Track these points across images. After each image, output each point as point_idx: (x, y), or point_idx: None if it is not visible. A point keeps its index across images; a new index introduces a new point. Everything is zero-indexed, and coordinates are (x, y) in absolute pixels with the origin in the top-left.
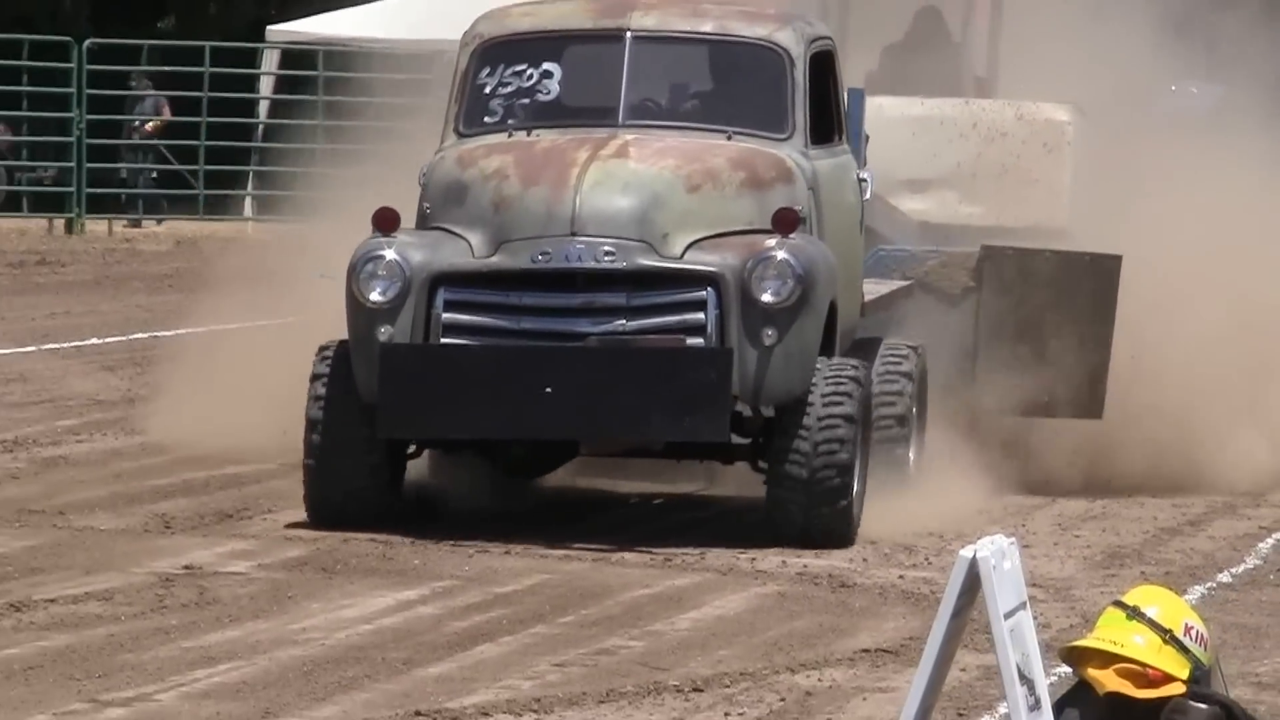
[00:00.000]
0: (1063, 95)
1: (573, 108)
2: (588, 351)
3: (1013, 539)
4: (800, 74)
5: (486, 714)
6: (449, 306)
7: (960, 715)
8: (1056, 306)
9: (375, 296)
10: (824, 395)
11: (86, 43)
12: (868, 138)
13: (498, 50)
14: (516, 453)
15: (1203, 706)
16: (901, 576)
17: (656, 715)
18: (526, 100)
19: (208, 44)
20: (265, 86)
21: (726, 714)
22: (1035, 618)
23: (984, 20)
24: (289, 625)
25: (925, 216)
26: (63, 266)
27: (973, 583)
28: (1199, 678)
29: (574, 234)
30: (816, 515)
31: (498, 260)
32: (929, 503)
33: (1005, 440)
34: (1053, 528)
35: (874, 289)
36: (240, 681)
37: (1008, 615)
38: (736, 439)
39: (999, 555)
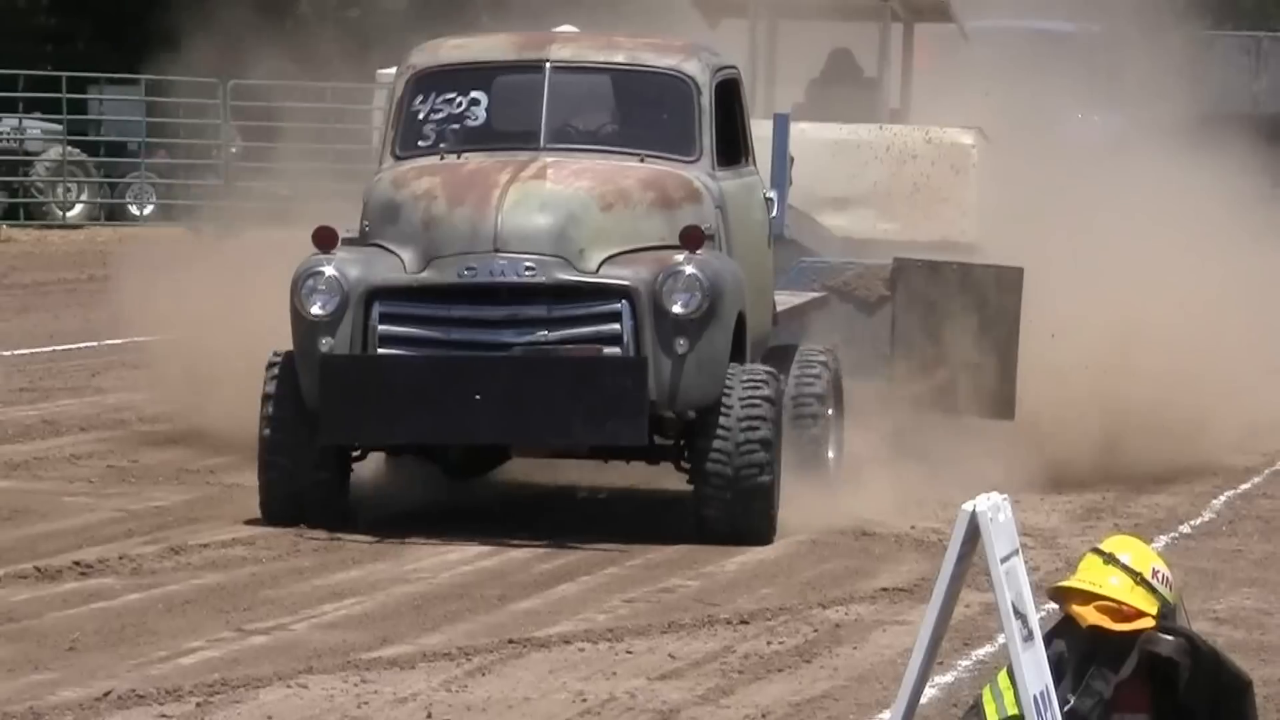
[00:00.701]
0: (971, 123)
1: (499, 132)
2: (512, 361)
3: (1005, 496)
4: (706, 101)
5: (568, 641)
6: (384, 319)
7: (965, 645)
8: (964, 314)
9: (316, 310)
10: (742, 398)
11: None
12: (793, 159)
13: (430, 80)
14: (454, 455)
15: (1169, 638)
16: (913, 527)
17: (710, 643)
18: (456, 126)
19: None
20: None
21: (769, 642)
22: (1025, 562)
23: (898, 58)
24: (402, 567)
25: (846, 232)
26: None
27: (973, 532)
28: (1166, 614)
29: (497, 250)
30: (741, 511)
31: (427, 275)
32: (849, 494)
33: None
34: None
35: (792, 299)
36: (362, 614)
37: (1003, 560)
38: (660, 441)
39: (995, 509)
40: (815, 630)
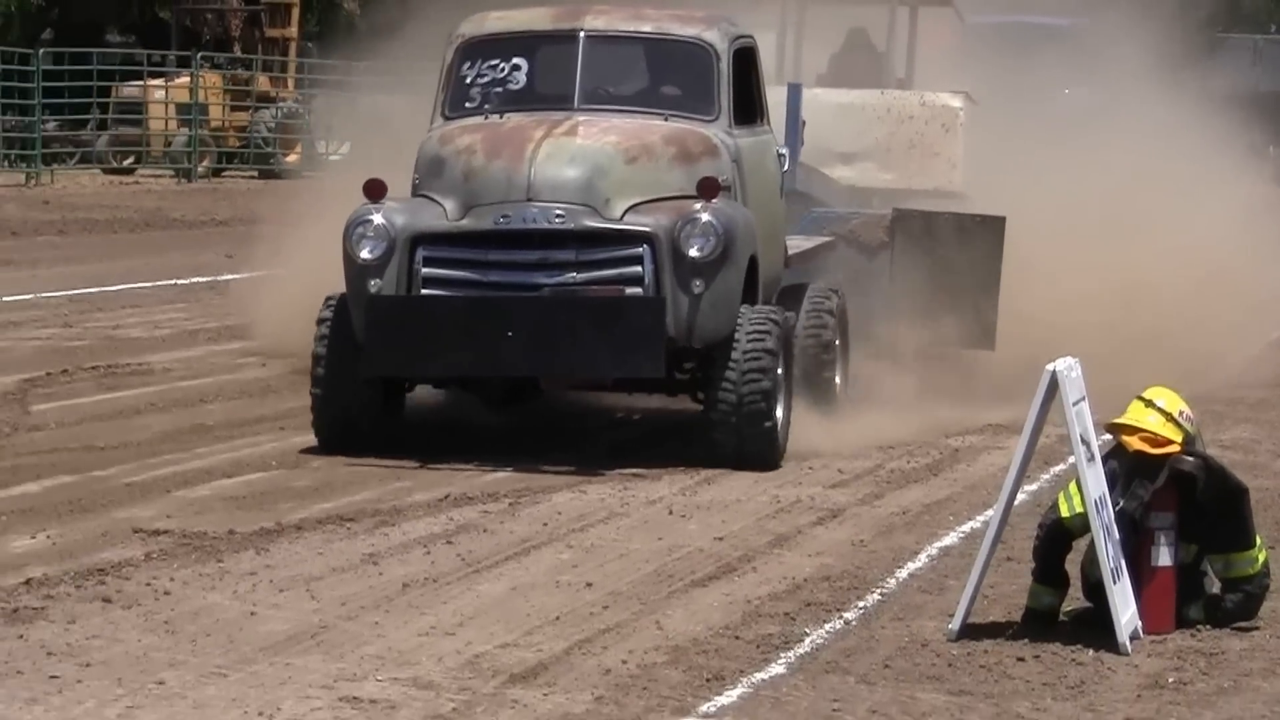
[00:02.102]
0: (967, 84)
1: (537, 94)
2: (542, 301)
3: (1076, 359)
4: (725, 66)
5: None
6: (427, 262)
7: (1046, 464)
8: (954, 258)
9: (365, 255)
10: (748, 334)
11: None
12: (804, 122)
13: (476, 48)
14: (492, 387)
15: (1190, 458)
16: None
17: (867, 463)
18: (500, 89)
19: None
20: None
21: (908, 461)
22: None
23: (903, 34)
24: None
25: (851, 182)
26: None
27: (1053, 386)
28: (1189, 442)
29: (530, 199)
30: (746, 434)
31: (467, 222)
32: (855, 420)
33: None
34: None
35: (804, 244)
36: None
37: (1074, 404)
38: (678, 375)
39: (1068, 368)
40: (940, 453)
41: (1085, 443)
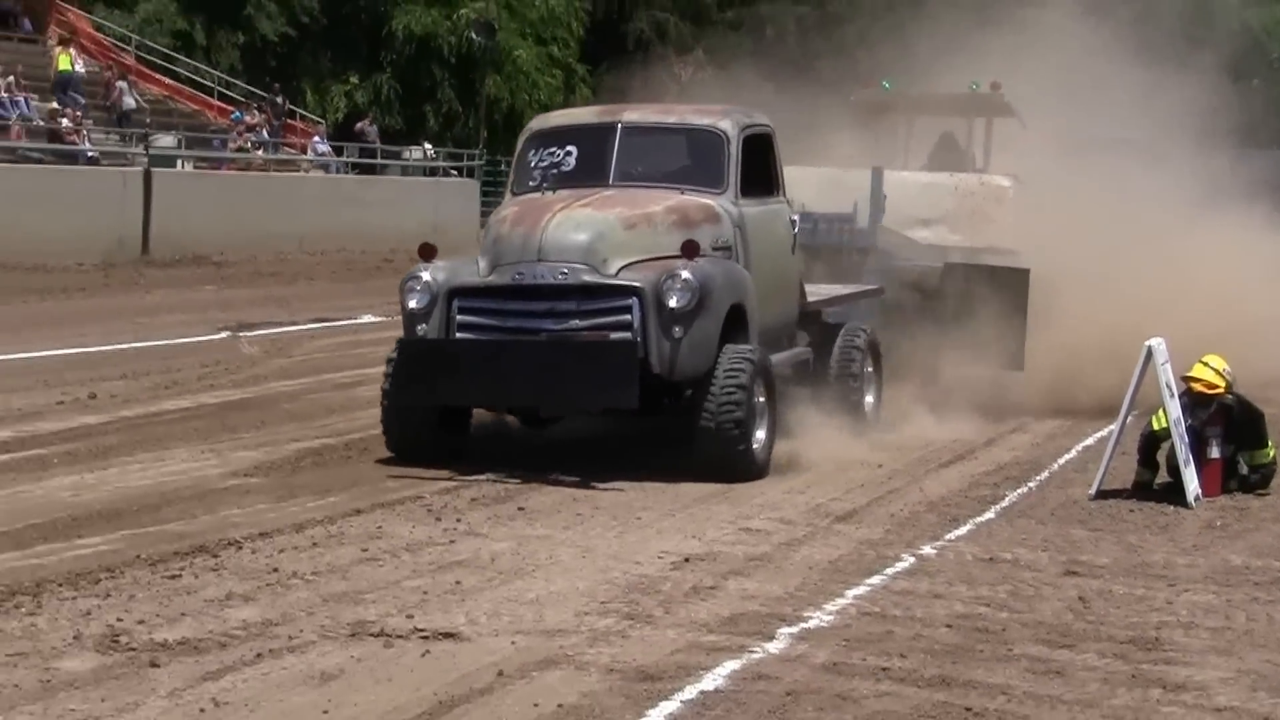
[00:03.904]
0: (1027, 172)
1: (581, 173)
2: (537, 344)
3: (1163, 338)
4: (734, 149)
5: None
6: (460, 311)
7: (1142, 417)
8: (990, 299)
9: (412, 305)
10: (726, 370)
11: None
12: (886, 196)
13: (539, 138)
14: (521, 412)
15: (1230, 396)
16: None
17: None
18: (554, 170)
19: None
20: None
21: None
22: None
23: (980, 136)
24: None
25: (929, 241)
26: None
27: (1148, 355)
28: (1230, 387)
29: (540, 259)
30: (723, 454)
31: (491, 278)
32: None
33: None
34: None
35: (848, 290)
36: None
37: (1162, 364)
38: (668, 403)
39: (1159, 342)
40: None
41: (1168, 385)
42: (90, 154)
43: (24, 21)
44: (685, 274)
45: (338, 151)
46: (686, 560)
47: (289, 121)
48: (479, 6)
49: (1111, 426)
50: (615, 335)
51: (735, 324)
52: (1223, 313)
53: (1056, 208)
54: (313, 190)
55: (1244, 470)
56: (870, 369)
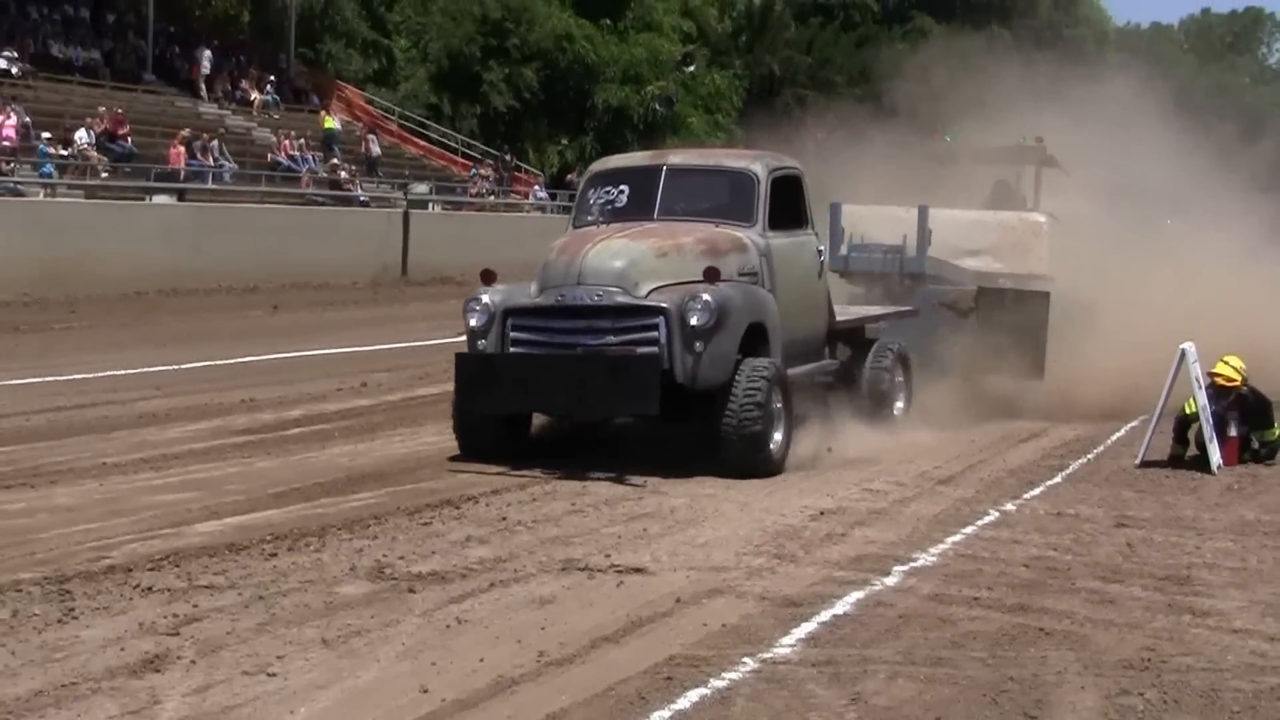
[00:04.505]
0: (1068, 212)
1: (631, 209)
2: (572, 358)
3: (1192, 342)
4: (763, 189)
5: None
6: (514, 329)
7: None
8: (1016, 318)
9: (473, 323)
10: (746, 382)
11: None
12: (931, 231)
13: (598, 178)
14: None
15: (1245, 388)
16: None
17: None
18: (609, 207)
19: None
20: None
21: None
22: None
23: (1030, 183)
24: None
25: (976, 269)
26: None
27: (1181, 356)
28: (1245, 380)
29: (579, 283)
30: (743, 458)
31: (539, 300)
32: (907, 434)
33: (990, 395)
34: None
35: (884, 310)
36: None
37: (1194, 362)
38: (694, 410)
39: (1190, 345)
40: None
41: (1197, 379)
42: (362, 198)
43: (312, 97)
44: (706, 296)
45: (552, 197)
46: (822, 513)
47: (515, 174)
48: (661, 85)
49: (1143, 417)
50: (641, 350)
51: (757, 340)
52: (1237, 326)
53: (1090, 241)
54: (532, 226)
55: (1256, 446)
56: (900, 379)
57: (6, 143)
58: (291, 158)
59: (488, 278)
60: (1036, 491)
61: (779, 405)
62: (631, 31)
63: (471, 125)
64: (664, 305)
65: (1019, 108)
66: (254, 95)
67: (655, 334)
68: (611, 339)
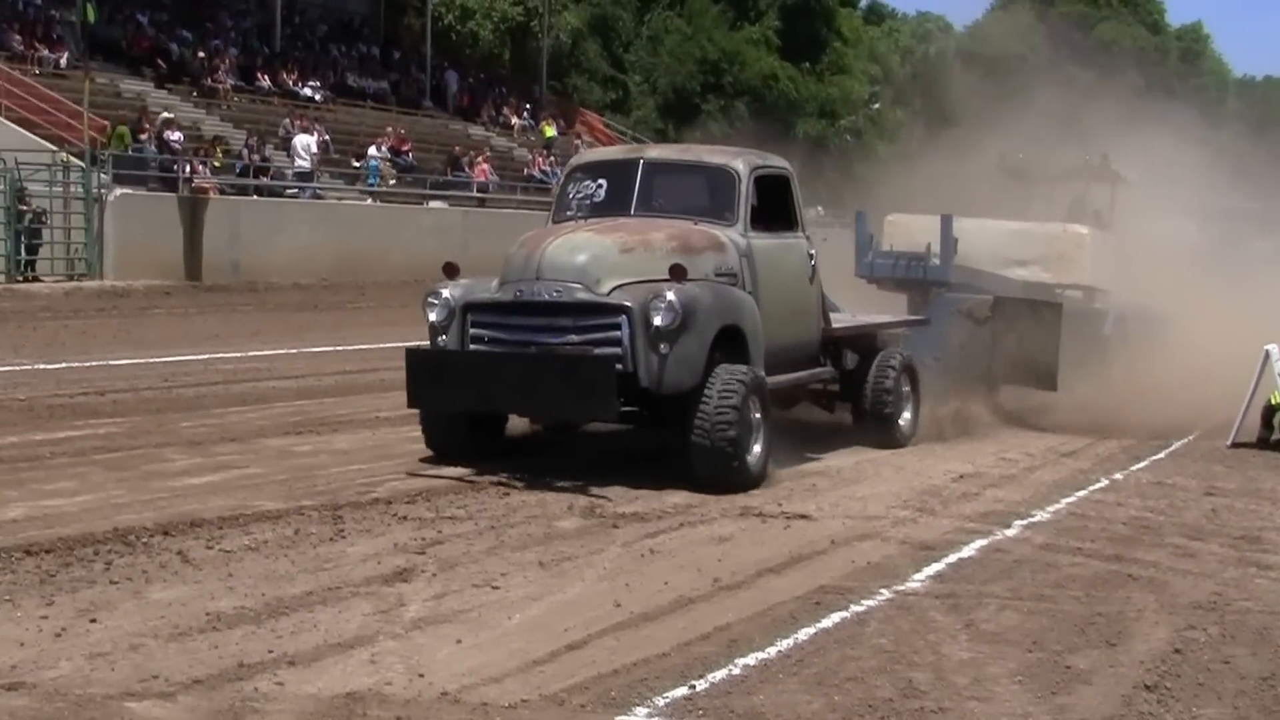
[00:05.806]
0: (1135, 227)
1: (609, 204)
2: (523, 357)
3: (1277, 344)
4: (745, 187)
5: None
6: (473, 324)
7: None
8: (1031, 328)
9: (433, 318)
10: (720, 388)
11: None
12: (956, 240)
13: (578, 173)
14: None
15: None
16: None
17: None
18: (587, 201)
19: None
20: None
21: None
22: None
23: (1105, 198)
24: None
25: (1024, 278)
26: None
27: (1266, 355)
28: None
29: (538, 278)
30: (716, 468)
31: (498, 295)
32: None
33: (1004, 404)
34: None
35: (890, 318)
36: None
37: (1276, 360)
38: (662, 414)
39: (1276, 348)
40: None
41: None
42: None
43: (559, 122)
44: (670, 295)
45: None
46: (961, 476)
47: None
48: (851, 119)
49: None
50: (599, 350)
51: (733, 344)
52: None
53: (1168, 256)
54: None
55: None
56: (906, 388)
57: (309, 158)
58: (543, 171)
59: (450, 271)
60: (1142, 464)
61: (758, 415)
62: (827, 74)
63: None
64: (626, 304)
65: (1142, 134)
66: (514, 120)
67: (618, 334)
68: (574, 338)
